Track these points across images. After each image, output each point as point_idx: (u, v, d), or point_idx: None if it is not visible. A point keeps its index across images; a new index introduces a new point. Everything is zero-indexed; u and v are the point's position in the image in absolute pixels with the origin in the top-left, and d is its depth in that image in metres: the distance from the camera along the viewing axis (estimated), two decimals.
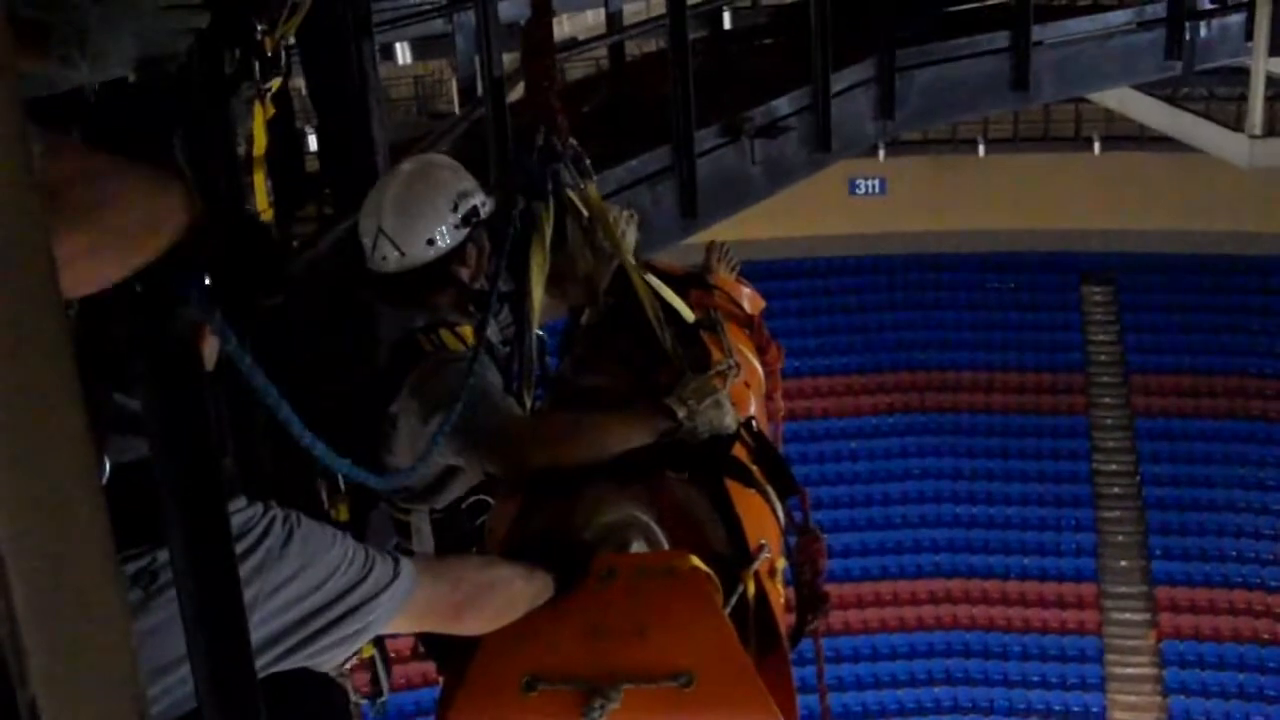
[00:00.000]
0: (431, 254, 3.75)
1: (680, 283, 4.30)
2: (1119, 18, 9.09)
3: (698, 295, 4.33)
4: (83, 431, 0.95)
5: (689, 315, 4.12)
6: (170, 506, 1.61)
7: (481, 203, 3.85)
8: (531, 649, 2.84)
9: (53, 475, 0.92)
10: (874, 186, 27.81)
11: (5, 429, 0.91)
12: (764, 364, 4.37)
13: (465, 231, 3.78)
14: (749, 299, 4.62)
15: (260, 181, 4.24)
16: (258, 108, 4.42)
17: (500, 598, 2.78)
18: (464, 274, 3.80)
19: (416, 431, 3.59)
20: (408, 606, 2.43)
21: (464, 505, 3.82)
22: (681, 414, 3.47)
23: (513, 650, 2.85)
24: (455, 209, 3.76)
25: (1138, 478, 25.65)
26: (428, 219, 3.75)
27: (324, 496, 3.73)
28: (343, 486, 3.70)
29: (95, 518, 0.95)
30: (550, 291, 4.04)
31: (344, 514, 3.75)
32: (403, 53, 12.26)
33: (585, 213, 3.96)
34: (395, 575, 2.38)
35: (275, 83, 4.52)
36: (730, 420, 3.53)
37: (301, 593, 2.20)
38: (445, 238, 3.75)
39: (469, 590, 2.72)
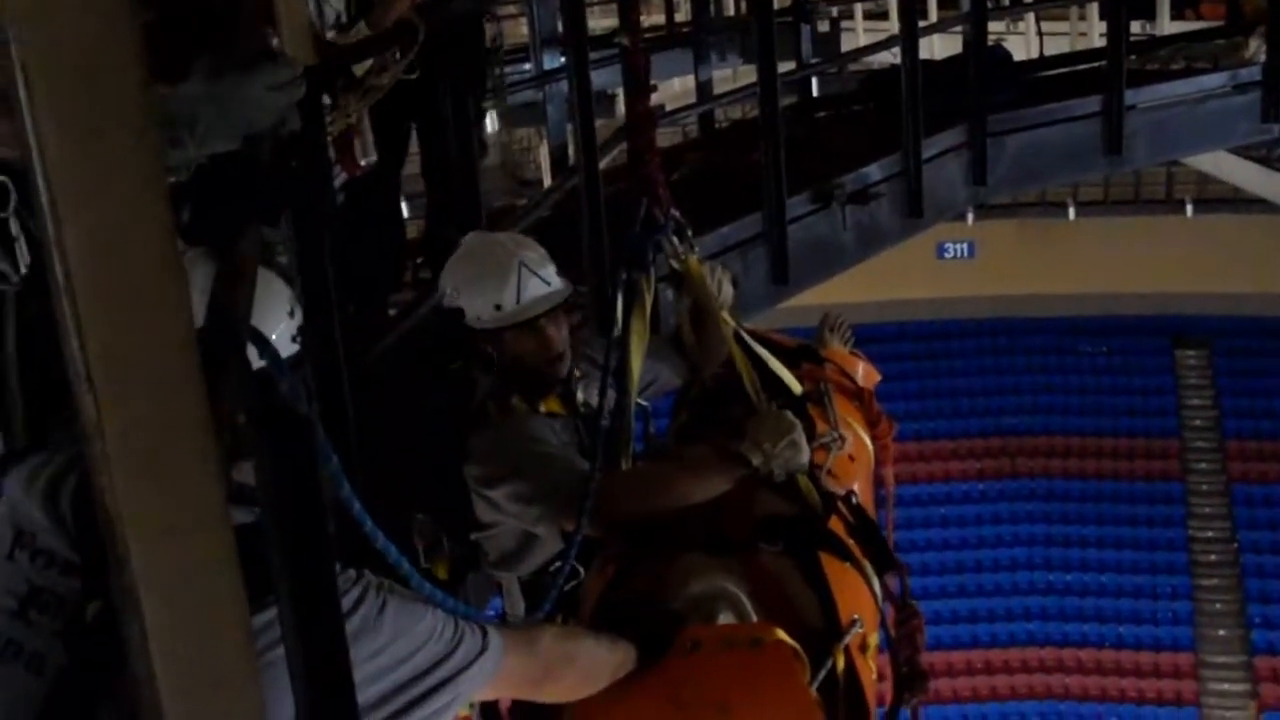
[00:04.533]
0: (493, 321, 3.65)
1: (791, 355, 4.30)
2: (1213, 81, 8.99)
3: (809, 368, 4.33)
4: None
5: (796, 387, 4.12)
6: (281, 568, 1.65)
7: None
8: (614, 719, 2.85)
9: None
10: (963, 250, 27.68)
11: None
12: (874, 437, 4.35)
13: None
14: (864, 372, 4.59)
15: None
16: None
17: (582, 668, 2.79)
18: (526, 342, 3.72)
19: (484, 496, 3.62)
20: (495, 677, 2.46)
21: (551, 570, 3.83)
22: (756, 461, 3.48)
23: None
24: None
25: (1235, 544, 25.11)
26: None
27: (421, 554, 3.75)
28: (446, 546, 3.70)
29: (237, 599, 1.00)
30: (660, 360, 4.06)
31: (442, 572, 3.76)
32: (491, 121, 12.47)
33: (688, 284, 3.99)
34: (484, 647, 2.39)
35: None
36: (805, 458, 3.53)
37: (392, 663, 2.21)
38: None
39: (551, 660, 2.72)
